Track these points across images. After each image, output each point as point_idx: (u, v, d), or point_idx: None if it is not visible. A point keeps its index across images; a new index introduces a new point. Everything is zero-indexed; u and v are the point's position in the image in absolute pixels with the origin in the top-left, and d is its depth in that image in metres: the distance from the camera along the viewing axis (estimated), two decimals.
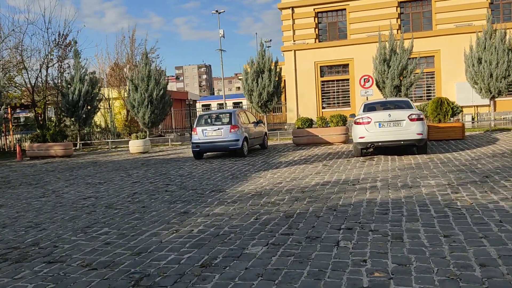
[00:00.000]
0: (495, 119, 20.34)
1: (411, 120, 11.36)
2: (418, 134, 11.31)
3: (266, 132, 17.58)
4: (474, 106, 24.06)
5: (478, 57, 18.72)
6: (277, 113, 34.71)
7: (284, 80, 27.27)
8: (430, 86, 25.68)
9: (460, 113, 18.81)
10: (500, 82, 18.26)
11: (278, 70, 22.59)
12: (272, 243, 4.96)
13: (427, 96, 25.49)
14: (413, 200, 6.63)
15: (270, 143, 19.25)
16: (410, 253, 4.32)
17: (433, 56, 25.04)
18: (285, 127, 28.51)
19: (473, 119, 23.45)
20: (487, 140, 14.54)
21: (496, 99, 19.45)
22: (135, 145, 18.62)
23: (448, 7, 24.70)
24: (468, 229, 4.98)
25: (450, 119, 16.37)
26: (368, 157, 12.21)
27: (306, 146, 16.63)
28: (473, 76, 19.01)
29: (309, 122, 17.29)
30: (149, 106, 22.42)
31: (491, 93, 18.70)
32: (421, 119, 11.45)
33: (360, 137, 11.85)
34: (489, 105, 22.70)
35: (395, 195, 7.10)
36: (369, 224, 5.47)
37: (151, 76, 22.82)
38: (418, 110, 12.47)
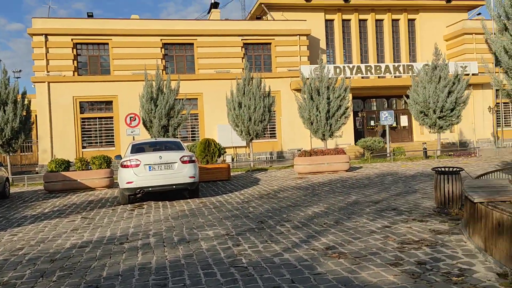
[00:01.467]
0: (253, 159, 21.93)
1: (183, 162, 10.63)
2: (190, 177, 10.64)
3: (7, 178, 14.17)
4: (234, 147, 25.66)
5: (239, 102, 19.95)
6: (27, 153, 29.76)
7: (36, 116, 23.52)
8: (194, 127, 26.28)
9: (224, 154, 19.50)
10: (258, 125, 19.79)
11: (26, 102, 19.13)
12: None
13: (191, 137, 25.95)
14: (194, 260, 5.61)
15: (14, 190, 15.70)
16: None
17: (197, 98, 25.83)
18: (37, 169, 24.36)
19: (233, 159, 24.89)
20: (251, 181, 15.13)
21: (253, 141, 21.00)
22: None
23: (209, 53, 26.10)
24: None
25: (216, 160, 16.60)
26: (137, 204, 10.83)
27: (61, 193, 14.06)
28: (234, 119, 20.08)
29: (66, 165, 14.81)
30: None
31: (250, 135, 20.07)
32: (193, 161, 10.87)
33: (127, 182, 10.42)
34: (246, 146, 24.55)
35: (172, 254, 5.94)
36: None
37: None
38: (189, 151, 11.92)
